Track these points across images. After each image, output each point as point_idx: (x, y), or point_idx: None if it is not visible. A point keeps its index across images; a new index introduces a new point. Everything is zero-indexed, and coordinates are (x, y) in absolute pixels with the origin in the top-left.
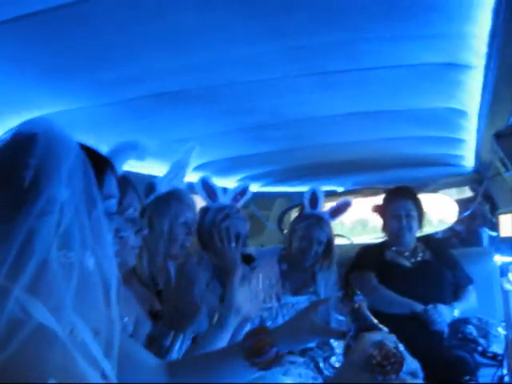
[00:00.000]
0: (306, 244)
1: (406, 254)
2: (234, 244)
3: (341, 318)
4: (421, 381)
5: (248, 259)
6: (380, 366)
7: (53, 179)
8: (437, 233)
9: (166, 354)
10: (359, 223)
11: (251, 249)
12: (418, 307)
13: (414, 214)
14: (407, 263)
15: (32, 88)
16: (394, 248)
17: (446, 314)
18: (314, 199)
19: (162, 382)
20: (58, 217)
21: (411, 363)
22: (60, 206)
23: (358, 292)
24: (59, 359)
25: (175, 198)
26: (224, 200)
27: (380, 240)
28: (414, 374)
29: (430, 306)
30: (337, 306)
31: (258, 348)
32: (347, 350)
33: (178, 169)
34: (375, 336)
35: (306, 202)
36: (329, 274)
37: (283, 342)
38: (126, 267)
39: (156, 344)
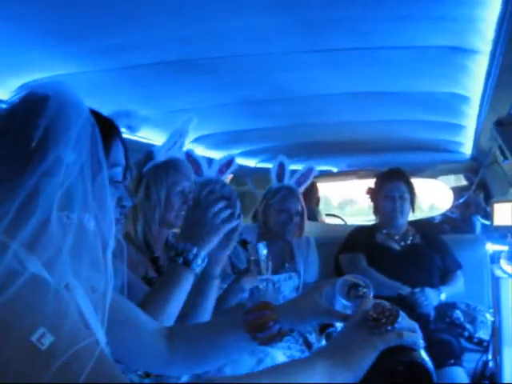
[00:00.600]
0: (285, 216)
1: (397, 237)
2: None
3: (345, 302)
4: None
5: (242, 243)
6: (375, 320)
7: (61, 141)
8: (434, 218)
9: (189, 266)
10: (351, 204)
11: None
12: (405, 290)
13: (407, 196)
14: (397, 246)
15: (32, 50)
16: (384, 231)
17: (432, 298)
18: (282, 172)
19: (161, 347)
20: (62, 178)
21: (409, 323)
22: (65, 167)
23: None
24: (51, 309)
25: (173, 166)
26: (209, 173)
27: (372, 222)
28: (412, 331)
29: (417, 289)
30: (342, 289)
31: (261, 323)
32: None
33: (176, 138)
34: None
35: (274, 175)
36: (307, 250)
37: (286, 320)
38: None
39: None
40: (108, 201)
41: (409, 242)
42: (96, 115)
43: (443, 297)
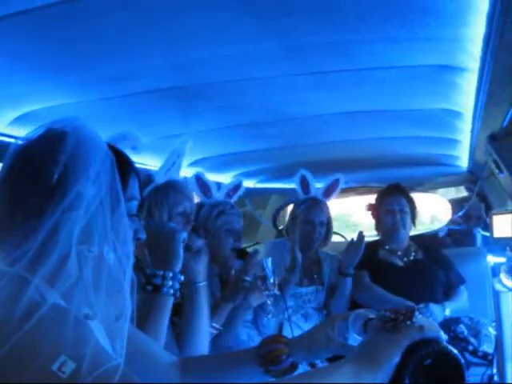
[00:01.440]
0: (309, 227)
1: (399, 253)
2: (229, 240)
3: (358, 336)
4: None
5: (242, 254)
6: (393, 320)
7: (81, 176)
8: (437, 232)
9: (158, 292)
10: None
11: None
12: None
13: (407, 209)
14: (400, 262)
15: (29, 83)
16: (387, 247)
17: (437, 313)
18: (305, 183)
19: (175, 380)
20: (83, 213)
21: (427, 319)
22: (86, 202)
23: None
24: (71, 337)
25: (172, 188)
26: (218, 196)
27: (372, 239)
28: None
29: (422, 305)
30: (355, 323)
31: (274, 356)
32: None
33: (175, 159)
34: None
35: (299, 188)
36: (334, 262)
37: (299, 353)
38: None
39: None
40: (127, 234)
41: (411, 257)
42: (113, 150)
43: (448, 312)
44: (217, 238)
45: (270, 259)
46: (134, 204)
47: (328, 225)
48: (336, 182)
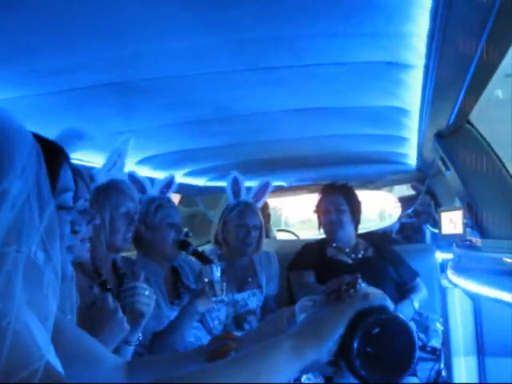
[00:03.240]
0: (243, 232)
1: (347, 250)
2: (171, 232)
3: None
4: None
5: (184, 245)
6: (336, 291)
7: (7, 172)
8: (391, 229)
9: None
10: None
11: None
12: None
13: (344, 208)
14: (348, 260)
15: None
16: (334, 244)
17: (407, 310)
18: (237, 187)
19: (120, 382)
20: (10, 211)
21: (372, 288)
22: (13, 199)
23: None
24: None
25: (114, 188)
26: (152, 192)
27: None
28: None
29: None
30: (301, 313)
31: (223, 352)
32: None
33: (115, 159)
34: None
35: (230, 192)
36: (269, 267)
37: (248, 348)
38: (81, 260)
39: None
40: (56, 230)
41: (360, 255)
42: (40, 140)
43: (416, 305)
44: (158, 232)
45: (217, 265)
46: (69, 195)
47: (261, 229)
48: (266, 186)
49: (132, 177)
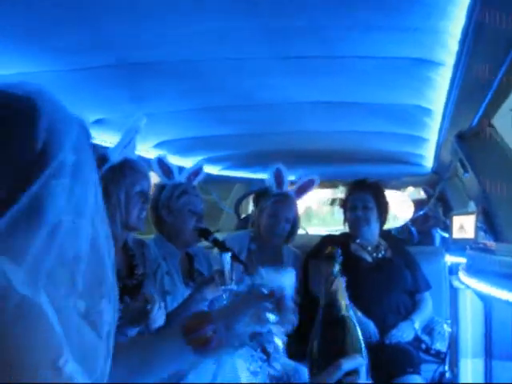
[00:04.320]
0: (273, 221)
1: (369, 248)
2: (191, 220)
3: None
4: None
5: (204, 233)
6: None
7: (63, 143)
8: (390, 230)
9: None
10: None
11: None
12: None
13: (372, 205)
14: (369, 258)
15: None
16: (358, 241)
17: (408, 332)
18: (280, 178)
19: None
20: (67, 182)
21: None
22: (69, 171)
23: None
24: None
25: (129, 167)
26: (179, 178)
27: (340, 232)
28: None
29: (394, 330)
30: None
31: (195, 324)
32: None
33: (130, 138)
34: None
35: (272, 181)
36: (296, 265)
37: (221, 320)
38: None
39: None
40: (101, 202)
41: (380, 255)
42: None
43: (417, 326)
44: (179, 217)
45: (229, 254)
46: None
47: (294, 222)
48: (311, 182)
49: (161, 162)
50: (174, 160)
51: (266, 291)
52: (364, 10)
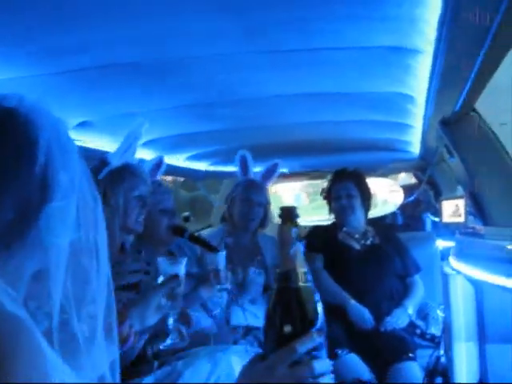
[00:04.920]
0: (246, 206)
1: (357, 236)
2: (164, 219)
3: None
4: None
5: (178, 231)
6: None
7: (59, 162)
8: (386, 216)
9: None
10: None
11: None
12: (351, 303)
13: (356, 193)
14: (357, 246)
15: None
16: (344, 229)
17: (403, 318)
18: (245, 164)
19: None
20: (69, 202)
21: None
22: (68, 190)
23: None
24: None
25: (128, 171)
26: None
27: (328, 222)
28: None
29: (388, 318)
30: None
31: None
32: None
33: (130, 142)
34: None
35: (239, 169)
36: (272, 244)
37: (136, 317)
38: None
39: None
40: (101, 217)
41: (368, 241)
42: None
43: (411, 311)
44: (152, 218)
45: (224, 253)
46: None
47: (266, 207)
48: (275, 166)
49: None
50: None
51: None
52: (341, 1)
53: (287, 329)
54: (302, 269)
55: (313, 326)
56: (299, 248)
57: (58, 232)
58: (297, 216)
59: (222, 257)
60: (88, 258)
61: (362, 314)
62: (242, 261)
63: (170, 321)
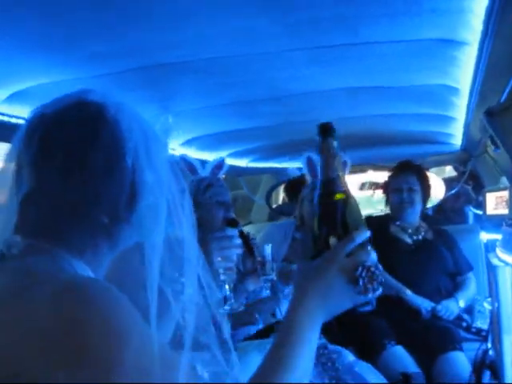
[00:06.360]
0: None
1: (410, 231)
2: (220, 211)
3: None
4: None
5: (232, 223)
6: (364, 283)
7: (148, 162)
8: (428, 209)
9: None
10: None
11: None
12: (407, 293)
13: (417, 188)
14: (409, 240)
15: (20, 61)
16: (398, 223)
17: (452, 308)
18: (312, 166)
19: None
20: (162, 200)
21: None
22: (155, 189)
23: None
24: None
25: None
26: (203, 173)
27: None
28: None
29: (439, 306)
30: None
31: None
32: None
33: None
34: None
35: (307, 171)
36: None
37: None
38: None
39: None
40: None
41: (420, 236)
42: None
43: (462, 304)
44: (208, 209)
45: (270, 245)
46: None
47: None
48: (344, 164)
49: (183, 159)
50: (204, 156)
51: None
52: None
53: (336, 230)
54: (343, 177)
55: (361, 226)
56: (340, 157)
57: (149, 230)
58: (334, 130)
59: (268, 249)
60: (179, 253)
61: (419, 303)
62: (307, 256)
63: (227, 287)
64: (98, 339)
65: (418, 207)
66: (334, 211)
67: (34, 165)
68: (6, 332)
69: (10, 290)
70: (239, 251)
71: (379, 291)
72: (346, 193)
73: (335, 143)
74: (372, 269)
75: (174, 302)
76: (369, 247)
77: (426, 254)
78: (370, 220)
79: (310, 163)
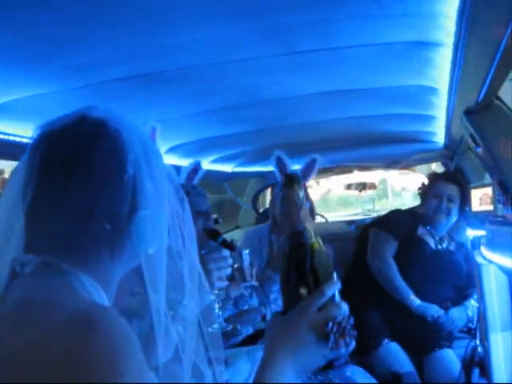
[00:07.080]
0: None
1: (437, 238)
2: (199, 221)
3: None
4: None
5: (213, 234)
6: (335, 338)
7: (145, 170)
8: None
9: None
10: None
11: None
12: (414, 302)
13: (457, 200)
14: (433, 245)
15: (1, 75)
16: (428, 227)
17: (461, 316)
18: (281, 164)
19: None
20: (157, 210)
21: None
22: (154, 199)
23: None
24: None
25: None
26: (179, 180)
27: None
28: None
29: (448, 312)
30: None
31: None
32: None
33: None
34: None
35: (276, 170)
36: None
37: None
38: None
39: None
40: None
41: (444, 245)
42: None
43: (470, 313)
44: None
45: (247, 251)
46: None
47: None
48: (313, 162)
49: None
50: (187, 163)
51: None
52: (356, 1)
53: (305, 283)
54: (311, 227)
55: (331, 277)
56: (307, 208)
57: (148, 239)
58: (299, 180)
59: (245, 254)
60: (179, 262)
61: (428, 309)
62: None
63: (216, 306)
64: (100, 378)
65: (452, 218)
66: (303, 263)
67: (38, 179)
68: (13, 358)
69: (22, 313)
70: (230, 271)
71: (352, 346)
72: (314, 244)
73: (301, 193)
74: (343, 323)
75: (172, 320)
76: (338, 299)
77: (446, 263)
78: (397, 214)
79: (279, 162)
